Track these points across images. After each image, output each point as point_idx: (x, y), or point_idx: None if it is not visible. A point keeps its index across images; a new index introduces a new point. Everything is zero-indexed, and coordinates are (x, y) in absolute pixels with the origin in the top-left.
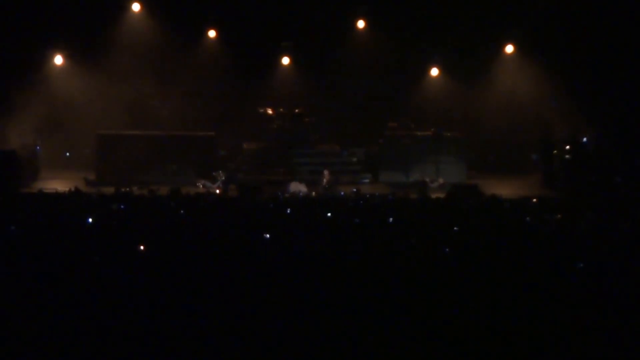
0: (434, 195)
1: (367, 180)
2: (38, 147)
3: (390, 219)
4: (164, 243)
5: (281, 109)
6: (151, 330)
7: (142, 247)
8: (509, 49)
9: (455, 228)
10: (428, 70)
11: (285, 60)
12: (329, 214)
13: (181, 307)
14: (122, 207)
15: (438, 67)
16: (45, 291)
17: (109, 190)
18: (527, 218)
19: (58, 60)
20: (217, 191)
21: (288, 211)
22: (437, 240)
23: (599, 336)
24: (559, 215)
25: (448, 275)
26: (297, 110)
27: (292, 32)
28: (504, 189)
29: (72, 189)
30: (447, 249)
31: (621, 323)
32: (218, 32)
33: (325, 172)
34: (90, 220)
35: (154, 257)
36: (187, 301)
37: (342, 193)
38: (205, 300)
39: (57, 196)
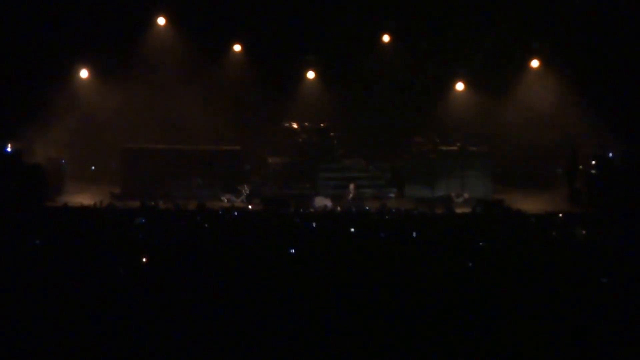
0: (459, 210)
1: (392, 195)
2: (63, 161)
3: (415, 234)
4: (188, 257)
5: (306, 123)
6: (174, 341)
7: (165, 260)
8: (535, 63)
9: (480, 243)
10: (453, 84)
11: (311, 75)
12: (353, 229)
13: (205, 319)
14: (143, 220)
15: (463, 82)
16: (70, 304)
17: (135, 204)
18: (553, 233)
19: (84, 74)
20: (247, 205)
21: (313, 225)
22: (461, 255)
23: (621, 349)
24: (584, 231)
25: (472, 289)
26: (322, 125)
27: (318, 46)
28: (530, 203)
29: (99, 203)
30: (470, 264)
31: None
32: (243, 46)
33: (351, 187)
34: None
35: (178, 270)
36: (211, 313)
37: (367, 207)
38: (229, 313)
39: (82, 210)
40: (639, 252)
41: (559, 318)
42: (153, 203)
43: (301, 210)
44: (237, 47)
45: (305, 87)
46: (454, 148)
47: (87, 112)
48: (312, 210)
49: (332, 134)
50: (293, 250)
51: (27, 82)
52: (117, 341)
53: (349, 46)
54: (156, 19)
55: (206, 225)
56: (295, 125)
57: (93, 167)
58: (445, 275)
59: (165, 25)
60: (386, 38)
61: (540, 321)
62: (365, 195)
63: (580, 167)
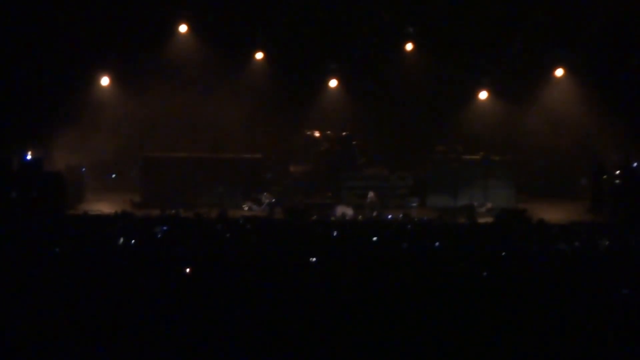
0: (482, 220)
1: (414, 204)
2: (84, 169)
3: (437, 244)
4: (210, 266)
5: (328, 132)
6: (192, 348)
7: (187, 270)
8: (559, 72)
9: (503, 253)
10: (477, 93)
11: (333, 83)
12: (375, 238)
13: (225, 326)
14: (164, 228)
15: (487, 90)
16: (89, 311)
17: (155, 212)
18: (576, 243)
19: (105, 81)
20: (268, 214)
21: (334, 234)
22: (483, 265)
23: None
24: (607, 242)
25: (493, 299)
26: (344, 133)
27: (340, 55)
28: (553, 213)
29: (119, 212)
30: (485, 273)
31: None
32: (265, 54)
33: (371, 194)
34: (133, 242)
35: (199, 279)
36: (231, 321)
37: (390, 217)
38: (249, 320)
39: (102, 218)
40: None
41: (578, 328)
42: (174, 211)
43: (323, 219)
44: (259, 55)
45: (327, 96)
46: (477, 157)
47: (108, 120)
48: (333, 219)
49: (354, 142)
50: (314, 259)
51: (48, 89)
52: (135, 348)
53: (372, 54)
54: (178, 26)
55: (228, 234)
56: (317, 134)
57: (114, 175)
58: (465, 284)
59: (186, 33)
60: (409, 46)
61: (559, 331)
62: (387, 204)
63: (605, 177)
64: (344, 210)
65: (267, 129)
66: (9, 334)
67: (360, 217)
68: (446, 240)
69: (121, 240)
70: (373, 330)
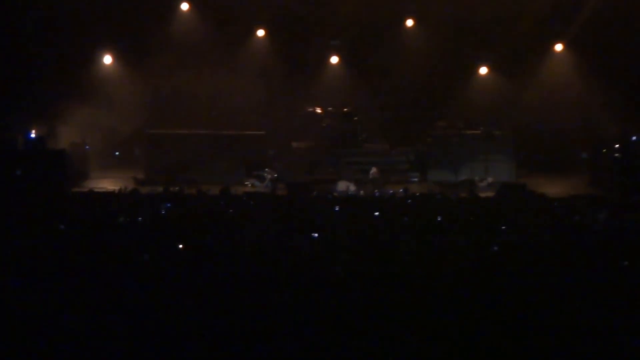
0: (482, 195)
1: (415, 180)
2: (87, 147)
3: (439, 218)
4: (213, 241)
5: (330, 108)
6: (197, 326)
7: (181, 246)
8: (558, 47)
9: (503, 227)
10: (477, 68)
11: (334, 59)
12: (377, 213)
13: (229, 304)
14: (168, 205)
15: (487, 66)
16: (95, 289)
17: (158, 189)
18: (576, 217)
19: (107, 60)
20: (270, 190)
21: (336, 209)
22: (485, 239)
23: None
24: (604, 214)
25: (497, 272)
26: (345, 110)
27: (341, 31)
28: (553, 187)
29: (124, 188)
30: (496, 248)
31: None
32: (267, 31)
33: (373, 170)
34: (140, 219)
35: (202, 254)
36: (236, 299)
37: (391, 192)
38: (251, 297)
39: (107, 195)
40: None
41: (579, 300)
42: (177, 188)
43: (325, 195)
44: (260, 32)
45: (329, 73)
46: (477, 132)
47: (111, 98)
48: (335, 194)
49: (355, 119)
50: (316, 235)
51: (51, 68)
52: (138, 326)
53: (373, 31)
54: (180, 3)
55: (231, 210)
56: (319, 110)
57: (117, 153)
58: (468, 259)
59: (188, 10)
60: (410, 22)
61: (561, 303)
62: (389, 179)
63: (604, 150)
64: (346, 186)
65: (269, 106)
66: (14, 311)
67: (362, 192)
68: (447, 214)
69: (124, 217)
70: (374, 304)
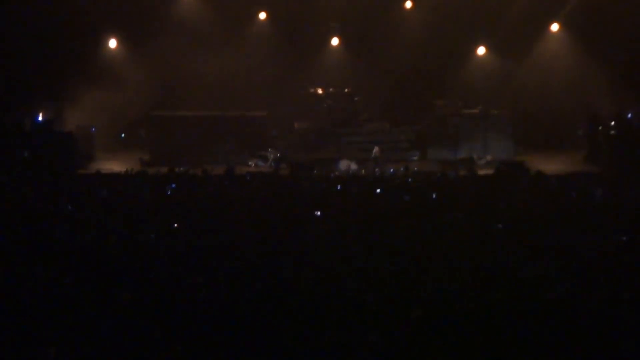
0: (481, 172)
1: (415, 158)
2: (94, 129)
3: (434, 195)
4: (218, 221)
5: (331, 89)
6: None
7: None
8: (555, 27)
9: (502, 204)
10: (475, 48)
11: (335, 41)
12: (378, 190)
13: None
14: (173, 186)
15: (485, 46)
16: (102, 268)
17: (164, 170)
18: (573, 193)
19: (112, 43)
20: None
21: (338, 188)
22: (484, 216)
23: None
24: (600, 191)
25: (496, 248)
26: (346, 90)
27: (341, 13)
28: (551, 164)
29: (130, 170)
30: (500, 225)
31: None
32: (268, 14)
33: (376, 149)
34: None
35: (208, 234)
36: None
37: (392, 170)
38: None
39: (113, 176)
40: None
41: (579, 274)
42: (182, 169)
43: (327, 174)
44: (262, 15)
45: (329, 54)
46: (476, 111)
47: (116, 81)
48: (337, 173)
49: (356, 99)
50: (319, 213)
51: (57, 52)
52: (146, 305)
53: (372, 13)
54: None
55: (235, 190)
56: (320, 91)
57: (123, 135)
58: (469, 236)
59: None
60: (408, 4)
61: (561, 278)
62: (389, 158)
63: (600, 127)
64: (348, 165)
65: (271, 87)
66: (22, 291)
67: (363, 171)
68: (447, 192)
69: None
70: (376, 280)
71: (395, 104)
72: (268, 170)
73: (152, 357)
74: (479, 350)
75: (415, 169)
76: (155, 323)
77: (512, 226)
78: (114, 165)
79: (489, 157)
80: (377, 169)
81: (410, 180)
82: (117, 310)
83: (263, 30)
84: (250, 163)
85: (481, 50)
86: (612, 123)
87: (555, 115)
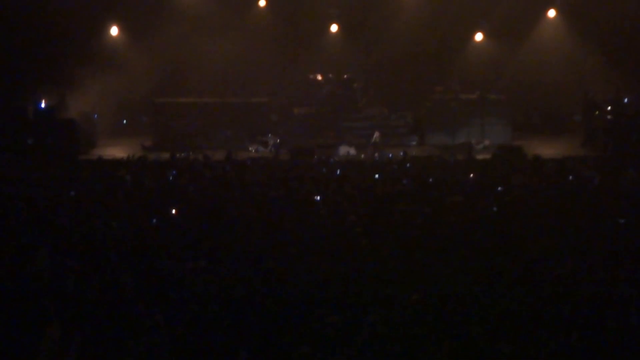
0: (479, 157)
1: (414, 143)
2: (96, 115)
3: (431, 179)
4: (219, 205)
5: (330, 75)
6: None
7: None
8: (551, 13)
9: (499, 188)
10: (472, 34)
11: (334, 28)
12: (377, 175)
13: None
14: (174, 172)
15: (482, 32)
16: (103, 252)
17: (165, 156)
18: (570, 177)
19: (114, 31)
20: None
21: (338, 172)
22: (482, 199)
23: None
24: (597, 175)
25: (493, 231)
26: (345, 76)
27: (340, 0)
28: (548, 149)
29: (132, 156)
30: (495, 208)
31: None
32: (268, 1)
33: (376, 134)
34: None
35: (208, 217)
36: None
37: (390, 155)
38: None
39: (115, 162)
40: None
41: (580, 255)
42: (183, 154)
43: (326, 159)
44: (262, 2)
45: (328, 40)
46: (474, 96)
47: (118, 68)
48: (336, 158)
49: (355, 85)
50: (318, 197)
51: (60, 39)
52: (148, 289)
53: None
54: None
55: (235, 174)
56: (319, 77)
57: (125, 121)
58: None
59: None
60: None
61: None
62: (388, 143)
63: (597, 112)
64: (347, 150)
65: (271, 74)
66: (26, 276)
67: (362, 155)
68: (445, 176)
69: (132, 182)
70: (377, 262)
71: (394, 89)
72: (268, 156)
73: (154, 341)
74: (478, 333)
75: (414, 153)
76: (157, 307)
77: (509, 209)
78: (115, 151)
79: (486, 142)
80: (376, 154)
81: (408, 165)
82: (120, 295)
83: (263, 17)
84: (250, 148)
85: (479, 36)
86: (609, 108)
87: (552, 100)
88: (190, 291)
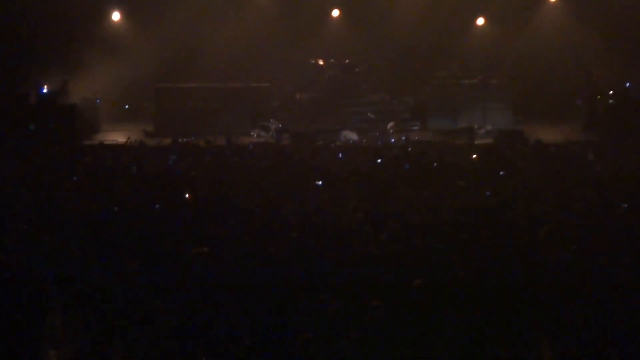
0: (481, 141)
1: (416, 128)
2: (98, 101)
3: (435, 165)
4: (221, 190)
5: (332, 60)
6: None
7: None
8: None
9: (501, 172)
10: (474, 19)
11: (335, 12)
12: (379, 160)
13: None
14: (174, 158)
15: (484, 16)
16: (106, 236)
17: (167, 141)
18: (573, 161)
19: (116, 16)
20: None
21: (340, 155)
22: (482, 184)
23: None
24: (596, 159)
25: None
26: (347, 61)
27: None
28: (549, 133)
29: (133, 141)
30: (488, 193)
31: None
32: None
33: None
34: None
35: (212, 204)
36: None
37: (392, 140)
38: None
39: (117, 147)
40: None
41: (581, 241)
42: (185, 140)
43: (328, 144)
44: None
45: (330, 25)
46: (476, 81)
47: (121, 53)
48: (338, 143)
49: (357, 70)
50: (320, 182)
51: (62, 24)
52: (154, 274)
53: None
54: None
55: (237, 159)
56: (321, 62)
57: (127, 106)
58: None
59: None
60: None
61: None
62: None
63: (599, 97)
64: (349, 135)
65: (273, 59)
66: (31, 260)
67: (364, 141)
68: (447, 161)
69: (135, 168)
70: (378, 247)
71: (396, 74)
72: (270, 141)
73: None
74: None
75: (416, 138)
76: (161, 291)
77: (512, 195)
78: (117, 137)
79: (488, 127)
80: (380, 141)
81: (410, 149)
82: (124, 279)
83: (265, 2)
84: (252, 133)
85: (480, 21)
86: (611, 92)
87: (554, 84)
88: (193, 277)
